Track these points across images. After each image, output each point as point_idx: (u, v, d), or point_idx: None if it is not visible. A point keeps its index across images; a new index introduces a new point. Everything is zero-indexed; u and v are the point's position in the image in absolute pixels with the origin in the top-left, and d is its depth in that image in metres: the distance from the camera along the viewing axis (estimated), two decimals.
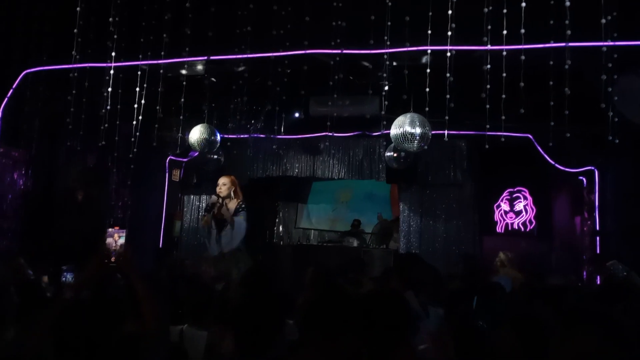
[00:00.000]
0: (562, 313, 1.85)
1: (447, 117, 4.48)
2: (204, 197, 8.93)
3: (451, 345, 2.95)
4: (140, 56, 4.97)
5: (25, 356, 2.27)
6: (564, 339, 1.60)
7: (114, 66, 4.99)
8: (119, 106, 5.26)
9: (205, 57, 5.37)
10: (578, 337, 1.57)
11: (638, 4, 3.31)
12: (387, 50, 4.64)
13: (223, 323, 2.95)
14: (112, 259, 2.58)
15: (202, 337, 3.07)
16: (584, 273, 7.31)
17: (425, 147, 5.42)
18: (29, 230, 6.91)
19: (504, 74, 4.05)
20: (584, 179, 7.52)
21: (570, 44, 3.85)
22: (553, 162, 7.37)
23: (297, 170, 9.05)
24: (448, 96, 4.35)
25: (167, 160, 8.83)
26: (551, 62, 4.13)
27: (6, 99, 6.59)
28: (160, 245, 8.55)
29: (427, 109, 4.62)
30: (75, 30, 4.57)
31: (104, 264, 2.61)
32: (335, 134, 7.33)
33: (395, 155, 7.46)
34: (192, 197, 9.30)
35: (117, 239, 2.39)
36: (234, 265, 5.51)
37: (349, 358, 1.93)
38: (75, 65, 4.98)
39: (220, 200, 5.95)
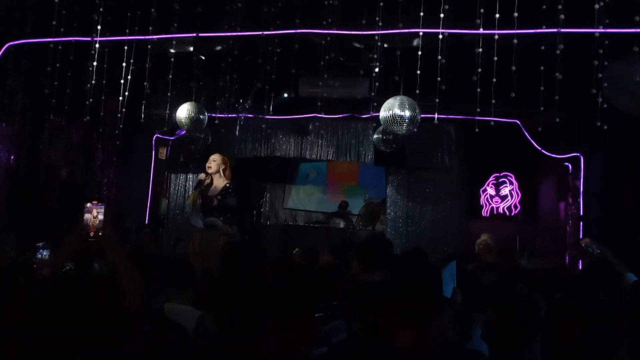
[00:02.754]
0: (549, 298, 1.87)
1: (437, 100, 4.46)
2: (190, 175, 8.86)
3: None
4: (127, 31, 4.86)
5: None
6: (552, 326, 1.62)
7: (100, 41, 4.88)
8: (104, 81, 5.15)
9: (194, 34, 5.25)
10: (566, 324, 1.59)
11: None
12: (378, 32, 4.59)
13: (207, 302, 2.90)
14: (92, 235, 2.53)
15: (185, 312, 3.02)
16: (567, 257, 7.43)
17: (414, 130, 5.41)
18: (13, 206, 6.81)
19: (495, 58, 4.03)
20: (570, 165, 7.60)
21: (563, 29, 3.83)
22: (539, 148, 7.41)
23: (285, 151, 9.01)
24: (439, 79, 4.32)
25: (154, 138, 8.73)
26: (542, 47, 4.11)
27: None
28: (146, 223, 8.51)
29: (417, 91, 4.60)
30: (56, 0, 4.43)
31: (83, 240, 2.57)
32: (324, 115, 7.28)
33: (383, 137, 7.45)
34: (179, 175, 9.23)
35: (95, 214, 2.32)
36: (217, 244, 5.45)
37: (303, 338, 1.86)
38: (59, 39, 4.85)
39: (209, 177, 5.88)
